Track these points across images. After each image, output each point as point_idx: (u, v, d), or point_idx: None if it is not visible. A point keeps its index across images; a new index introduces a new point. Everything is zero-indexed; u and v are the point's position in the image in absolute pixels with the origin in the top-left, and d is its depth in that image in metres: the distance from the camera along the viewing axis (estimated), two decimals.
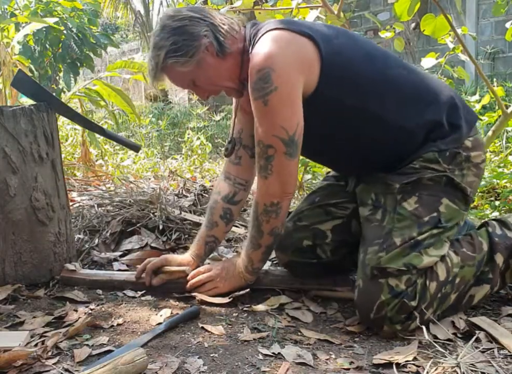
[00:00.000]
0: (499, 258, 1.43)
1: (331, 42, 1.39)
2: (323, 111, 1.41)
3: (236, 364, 1.19)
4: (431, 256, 1.34)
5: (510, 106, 2.39)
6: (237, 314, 1.49)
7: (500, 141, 3.30)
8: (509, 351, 1.24)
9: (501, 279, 1.45)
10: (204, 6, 1.47)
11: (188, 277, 1.60)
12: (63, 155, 2.29)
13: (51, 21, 3.33)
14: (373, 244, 1.38)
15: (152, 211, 2.19)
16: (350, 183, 1.61)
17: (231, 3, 2.38)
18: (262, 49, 1.34)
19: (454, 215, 1.41)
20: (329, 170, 1.82)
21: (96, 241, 2.05)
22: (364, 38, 1.58)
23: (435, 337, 1.30)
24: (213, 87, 1.47)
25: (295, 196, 2.77)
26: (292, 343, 1.31)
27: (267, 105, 1.32)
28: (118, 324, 1.41)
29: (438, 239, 1.37)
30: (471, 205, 2.04)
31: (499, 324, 1.37)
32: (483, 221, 1.60)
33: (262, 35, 1.37)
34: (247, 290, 1.58)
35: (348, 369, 1.17)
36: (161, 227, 2.11)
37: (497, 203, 2.42)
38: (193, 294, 1.57)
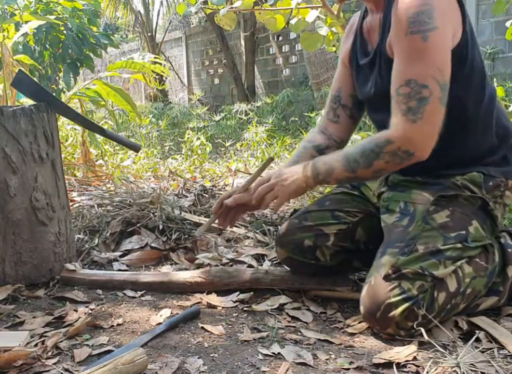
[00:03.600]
0: (511, 271, 1.41)
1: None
2: (456, 69, 1.34)
3: (236, 364, 1.19)
4: (447, 268, 1.32)
5: (510, 106, 2.39)
6: (237, 314, 1.49)
7: None
8: (509, 351, 1.23)
9: (509, 292, 1.42)
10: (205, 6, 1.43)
11: (252, 193, 1.47)
12: (63, 155, 2.29)
13: (51, 17, 3.32)
14: (394, 246, 1.36)
15: (152, 211, 2.19)
16: (379, 187, 1.59)
17: (231, 3, 2.38)
18: None
19: (480, 239, 1.39)
20: None
21: (96, 241, 2.05)
22: None
23: (435, 337, 1.30)
24: None
25: (307, 194, 2.74)
26: (292, 343, 1.31)
27: (427, 41, 1.23)
28: (118, 324, 1.41)
29: (460, 254, 1.34)
30: None
31: (499, 324, 1.37)
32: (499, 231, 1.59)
33: None
34: (251, 293, 1.58)
35: (348, 369, 1.17)
36: (161, 227, 2.11)
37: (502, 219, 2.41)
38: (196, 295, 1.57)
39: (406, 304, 1.28)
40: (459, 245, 1.35)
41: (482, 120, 1.43)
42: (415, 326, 1.28)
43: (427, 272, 1.30)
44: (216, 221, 1.55)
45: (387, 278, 1.31)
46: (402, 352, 1.21)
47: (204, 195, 2.59)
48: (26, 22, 3.62)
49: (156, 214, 2.17)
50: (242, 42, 8.81)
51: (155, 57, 3.57)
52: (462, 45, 1.33)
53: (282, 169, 1.52)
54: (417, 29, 1.24)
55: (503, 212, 1.50)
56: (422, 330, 1.24)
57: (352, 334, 1.36)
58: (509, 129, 1.51)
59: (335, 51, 2.58)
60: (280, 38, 8.63)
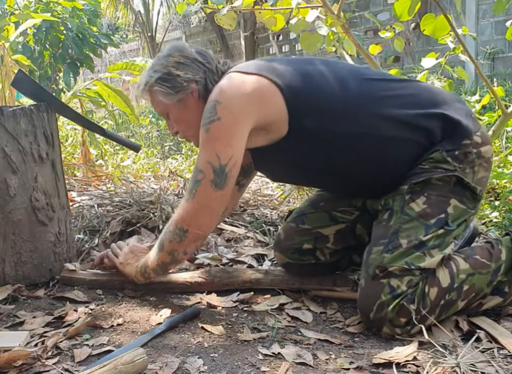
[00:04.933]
0: None
1: (291, 76, 1.41)
2: (312, 143, 1.42)
3: (236, 364, 1.19)
4: (434, 257, 1.33)
5: (510, 106, 2.39)
6: (237, 314, 1.49)
7: (500, 141, 3.29)
8: (509, 351, 1.23)
9: None
10: (204, 51, 1.54)
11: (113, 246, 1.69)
12: (63, 155, 2.29)
13: (46, 15, 3.31)
14: (378, 244, 1.38)
15: (152, 211, 2.19)
16: (357, 200, 1.62)
17: (232, 3, 2.38)
18: (217, 86, 1.41)
19: (462, 214, 1.40)
20: None
21: (96, 241, 2.05)
22: (340, 62, 1.64)
23: (435, 337, 1.30)
24: (181, 127, 1.53)
25: (296, 195, 2.77)
26: (292, 343, 1.31)
27: (208, 132, 1.37)
28: (118, 324, 1.41)
29: (443, 240, 1.36)
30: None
31: (499, 324, 1.37)
32: (507, 230, 1.58)
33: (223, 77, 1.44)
34: (251, 293, 1.58)
35: (348, 369, 1.17)
36: (161, 227, 2.10)
37: (497, 203, 2.42)
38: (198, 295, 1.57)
39: (397, 301, 1.30)
40: (441, 231, 1.36)
41: (392, 124, 1.42)
42: (410, 323, 1.29)
43: (413, 267, 1.31)
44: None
45: (375, 278, 1.33)
46: (402, 352, 1.21)
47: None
48: (25, 22, 3.62)
49: (156, 214, 2.17)
50: (242, 42, 8.81)
51: None
52: (296, 108, 1.39)
53: (138, 250, 1.64)
54: (202, 123, 1.39)
55: (488, 167, 1.47)
56: (423, 328, 1.24)
57: (352, 334, 1.36)
58: (430, 93, 1.49)
59: (335, 51, 2.58)
60: (280, 38, 8.63)
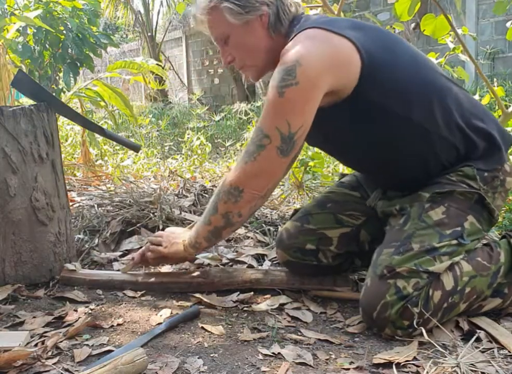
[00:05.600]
0: None
1: (374, 44, 1.35)
2: (366, 115, 1.37)
3: (236, 364, 1.19)
4: (443, 262, 1.32)
5: (510, 106, 2.39)
6: (237, 314, 1.49)
7: None
8: (509, 351, 1.23)
9: None
10: None
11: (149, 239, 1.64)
12: (63, 155, 2.29)
13: (34, 14, 3.31)
14: (390, 246, 1.36)
15: (152, 211, 2.19)
16: (372, 198, 1.60)
17: None
18: (294, 44, 1.31)
19: (476, 233, 1.40)
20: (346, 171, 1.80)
21: (96, 241, 2.05)
22: (407, 42, 1.55)
23: (435, 337, 1.29)
24: (240, 54, 1.43)
25: (296, 196, 2.77)
26: (292, 343, 1.31)
27: (282, 96, 1.28)
28: (118, 324, 1.41)
29: (455, 250, 1.35)
30: None
31: (499, 324, 1.37)
32: (504, 232, 1.58)
33: (300, 31, 1.34)
34: (251, 293, 1.58)
35: (348, 369, 1.17)
36: (161, 227, 2.10)
37: (503, 205, 2.41)
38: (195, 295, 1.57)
39: (401, 303, 1.29)
40: (454, 242, 1.35)
41: (445, 122, 1.40)
42: (412, 325, 1.29)
43: (421, 269, 1.30)
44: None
45: (382, 278, 1.32)
46: (402, 352, 1.21)
47: (204, 195, 2.59)
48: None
49: (156, 214, 2.17)
50: None
51: (157, 64, 3.57)
52: (368, 78, 1.32)
53: (178, 230, 1.62)
54: (276, 84, 1.29)
55: (505, 198, 1.48)
56: (423, 330, 1.24)
57: (352, 334, 1.36)
58: (482, 109, 1.49)
59: None
60: None
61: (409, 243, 1.34)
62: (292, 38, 1.35)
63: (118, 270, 1.84)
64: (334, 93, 1.34)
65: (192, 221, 2.19)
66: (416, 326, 1.27)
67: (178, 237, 1.56)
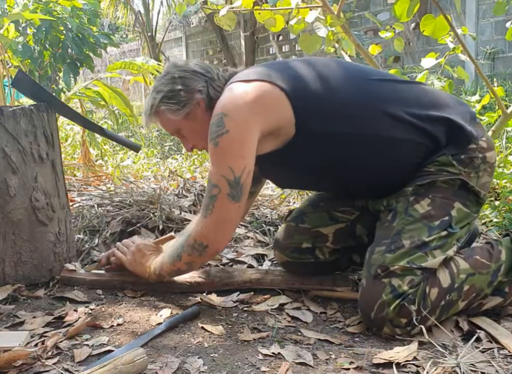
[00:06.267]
0: None
1: (299, 78, 1.40)
2: (318, 144, 1.41)
3: (236, 364, 1.19)
4: (436, 257, 1.33)
5: (510, 106, 2.39)
6: (237, 314, 1.49)
7: (500, 141, 3.30)
8: (509, 351, 1.23)
9: None
10: (202, 62, 1.56)
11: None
12: (63, 155, 2.29)
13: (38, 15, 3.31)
14: (381, 244, 1.38)
15: (152, 211, 2.19)
16: (360, 200, 1.61)
17: (231, 3, 2.37)
18: (221, 98, 1.40)
19: (465, 218, 1.41)
20: None
21: (96, 241, 2.05)
22: (335, 59, 1.60)
23: (435, 337, 1.30)
24: (197, 139, 1.52)
25: (296, 196, 2.77)
26: (292, 343, 1.31)
27: (217, 146, 1.36)
28: (118, 324, 1.41)
29: (446, 241, 1.36)
30: None
31: (499, 324, 1.37)
32: (508, 230, 1.58)
33: (227, 86, 1.43)
34: (251, 293, 1.58)
35: (348, 369, 1.17)
36: (161, 227, 2.11)
37: (497, 203, 2.42)
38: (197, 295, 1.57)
39: (397, 301, 1.30)
40: (444, 233, 1.36)
41: (398, 125, 1.41)
42: (410, 323, 1.29)
43: (414, 266, 1.31)
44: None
45: (376, 277, 1.33)
46: (402, 352, 1.21)
47: (204, 195, 2.58)
48: (26, 21, 3.62)
49: (156, 214, 2.17)
50: (242, 42, 8.81)
51: (158, 64, 3.57)
52: (303, 111, 1.38)
53: (146, 248, 1.63)
54: (210, 137, 1.37)
55: (491, 172, 1.48)
56: (423, 328, 1.24)
57: (352, 334, 1.36)
58: (437, 97, 1.50)
59: (335, 52, 2.58)
60: (280, 38, 8.62)
61: (399, 240, 1.35)
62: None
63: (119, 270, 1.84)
64: (276, 134, 1.40)
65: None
66: (416, 324, 1.28)
67: (144, 259, 1.60)
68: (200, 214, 1.43)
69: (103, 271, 1.71)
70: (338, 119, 1.40)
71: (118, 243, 1.71)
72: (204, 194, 1.48)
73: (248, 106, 1.35)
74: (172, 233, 1.71)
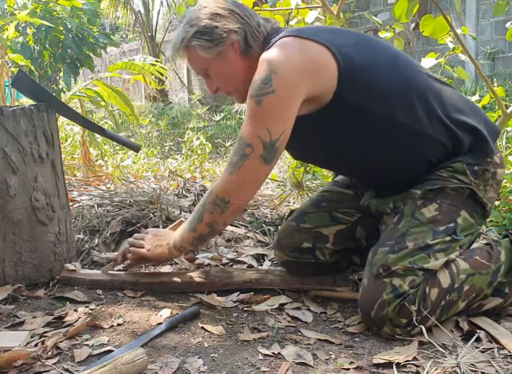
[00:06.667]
0: None
1: (351, 48, 1.36)
2: (348, 117, 1.37)
3: (236, 364, 1.19)
4: (438, 259, 1.33)
5: (510, 106, 2.39)
6: (237, 314, 1.49)
7: (500, 141, 3.30)
8: (509, 351, 1.23)
9: None
10: (242, 4, 1.46)
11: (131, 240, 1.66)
12: (63, 155, 2.29)
13: (26, 12, 3.30)
14: (385, 245, 1.37)
15: (152, 211, 2.19)
16: (366, 197, 1.60)
17: None
18: (271, 52, 1.33)
19: (470, 227, 1.41)
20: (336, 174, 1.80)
21: (96, 241, 2.05)
22: (387, 43, 1.54)
23: (435, 337, 1.30)
24: (223, 82, 1.46)
25: (296, 196, 2.77)
26: (292, 343, 1.31)
27: (260, 105, 1.30)
28: (118, 324, 1.41)
29: (449, 246, 1.36)
30: None
31: (499, 324, 1.37)
32: (508, 231, 1.59)
33: (275, 42, 1.36)
34: (251, 293, 1.58)
35: (348, 369, 1.17)
36: (161, 227, 2.10)
37: (497, 203, 2.42)
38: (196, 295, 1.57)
39: (398, 300, 1.29)
40: (448, 238, 1.36)
41: (429, 120, 1.40)
42: (410, 323, 1.29)
43: (416, 266, 1.31)
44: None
45: (378, 277, 1.33)
46: (402, 352, 1.22)
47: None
48: (25, 22, 3.62)
49: (156, 214, 2.17)
50: None
51: (156, 61, 3.57)
52: (346, 81, 1.33)
53: (161, 232, 1.62)
54: (253, 93, 1.31)
55: (497, 190, 1.49)
56: (423, 328, 1.24)
57: (352, 334, 1.36)
58: (466, 103, 1.49)
59: None
60: None
61: (403, 242, 1.35)
62: (268, 48, 1.36)
63: (119, 270, 1.84)
64: (314, 99, 1.35)
65: None
66: (416, 324, 1.28)
67: (162, 239, 1.58)
68: (225, 171, 1.39)
69: (103, 273, 1.71)
70: (375, 97, 1.36)
71: (129, 239, 1.67)
72: (231, 157, 1.40)
73: (300, 67, 1.29)
74: (182, 218, 1.71)
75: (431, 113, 1.40)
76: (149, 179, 3.46)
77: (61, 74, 3.92)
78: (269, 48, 1.36)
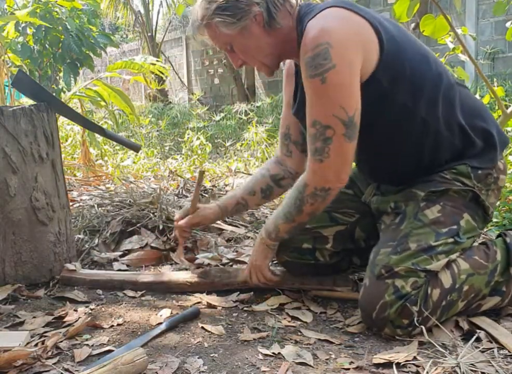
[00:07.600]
0: None
1: (389, 32, 1.33)
2: (375, 103, 1.34)
3: (236, 364, 1.19)
4: (440, 261, 1.33)
5: (510, 106, 2.39)
6: (237, 313, 1.49)
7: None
8: (509, 351, 1.23)
9: None
10: None
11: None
12: (63, 155, 2.29)
13: (25, 11, 3.31)
14: (387, 246, 1.37)
15: (152, 211, 2.19)
16: (367, 193, 1.59)
17: None
18: (319, 24, 1.26)
19: (472, 230, 1.41)
20: None
21: (96, 241, 2.05)
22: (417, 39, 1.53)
23: (435, 337, 1.30)
24: (248, 57, 1.41)
25: None
26: (292, 343, 1.31)
27: (325, 82, 1.24)
28: (118, 324, 1.41)
29: (452, 248, 1.35)
30: None
31: (499, 324, 1.37)
32: (500, 231, 1.59)
33: (320, 11, 1.29)
34: (251, 293, 1.58)
35: (348, 369, 1.17)
36: (161, 227, 2.11)
37: (497, 203, 2.42)
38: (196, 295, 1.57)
39: (400, 302, 1.29)
40: (450, 240, 1.36)
41: (445, 118, 1.40)
42: (411, 324, 1.29)
43: (419, 268, 1.31)
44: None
45: (380, 278, 1.32)
46: (402, 352, 1.21)
47: (204, 195, 2.59)
48: (25, 23, 3.62)
49: (156, 214, 2.17)
50: None
51: (157, 60, 3.57)
52: (385, 63, 1.31)
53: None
54: (314, 72, 1.25)
55: (498, 195, 1.49)
56: (423, 328, 1.24)
57: (352, 334, 1.36)
58: (481, 108, 1.49)
59: None
60: None
61: (406, 243, 1.34)
62: (311, 19, 1.30)
63: (119, 270, 1.84)
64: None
65: None
66: (416, 325, 1.27)
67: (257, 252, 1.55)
68: (311, 161, 1.34)
69: (103, 271, 1.71)
70: (405, 88, 1.34)
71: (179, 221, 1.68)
72: (306, 138, 1.35)
73: (355, 39, 1.25)
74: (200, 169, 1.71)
75: (451, 113, 1.40)
76: (149, 179, 3.47)
77: (61, 74, 3.92)
78: (312, 18, 1.29)
